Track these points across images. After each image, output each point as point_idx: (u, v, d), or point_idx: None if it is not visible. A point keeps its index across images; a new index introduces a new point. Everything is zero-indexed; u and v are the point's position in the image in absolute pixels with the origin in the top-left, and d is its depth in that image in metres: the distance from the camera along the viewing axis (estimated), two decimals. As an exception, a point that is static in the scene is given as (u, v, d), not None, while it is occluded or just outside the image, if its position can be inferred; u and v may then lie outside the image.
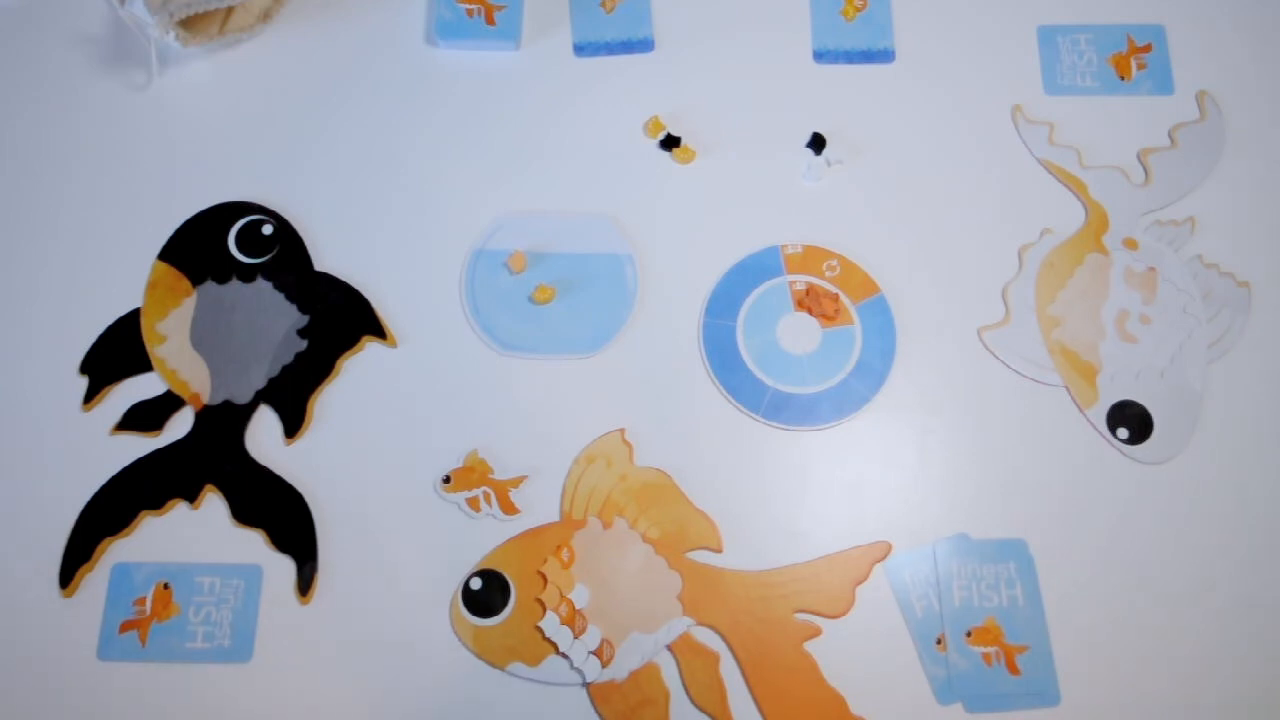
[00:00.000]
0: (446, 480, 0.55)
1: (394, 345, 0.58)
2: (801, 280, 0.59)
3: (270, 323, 0.58)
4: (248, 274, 0.59)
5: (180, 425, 0.57)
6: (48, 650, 0.52)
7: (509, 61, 0.65)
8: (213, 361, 0.58)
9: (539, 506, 0.55)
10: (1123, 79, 0.64)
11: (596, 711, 0.52)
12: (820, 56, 0.65)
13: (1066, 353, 0.58)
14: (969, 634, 0.53)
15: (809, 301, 0.59)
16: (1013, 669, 0.52)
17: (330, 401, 0.57)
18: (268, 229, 0.60)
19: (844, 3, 0.65)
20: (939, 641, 0.53)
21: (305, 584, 0.53)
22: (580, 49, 0.65)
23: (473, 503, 0.54)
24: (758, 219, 0.61)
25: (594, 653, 0.52)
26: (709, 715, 0.51)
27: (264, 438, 0.56)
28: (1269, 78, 0.64)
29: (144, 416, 0.56)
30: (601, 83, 0.64)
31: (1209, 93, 0.63)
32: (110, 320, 0.58)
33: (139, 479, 0.55)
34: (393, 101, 0.63)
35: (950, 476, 0.56)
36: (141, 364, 0.57)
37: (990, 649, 0.52)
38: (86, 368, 0.57)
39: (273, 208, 0.61)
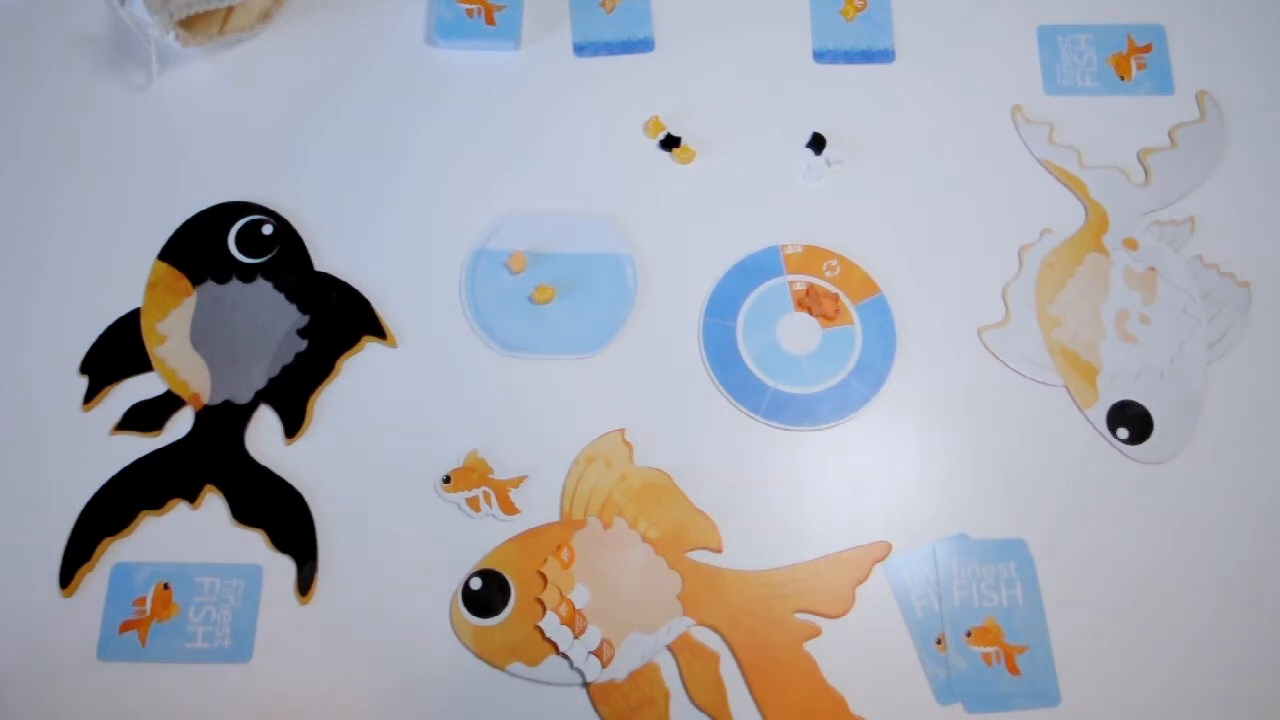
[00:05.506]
0: (446, 480, 0.55)
1: (394, 345, 0.58)
2: (801, 280, 0.59)
3: (270, 323, 0.58)
4: (248, 274, 0.59)
5: (180, 425, 0.57)
6: (48, 650, 0.52)
7: (509, 61, 0.65)
8: (213, 361, 0.57)
9: (539, 506, 0.55)
10: (1123, 79, 0.64)
11: (596, 711, 0.51)
12: (820, 56, 0.65)
13: (1066, 353, 0.58)
14: (969, 634, 0.53)
15: (809, 301, 0.59)
16: (1013, 669, 0.52)
17: (330, 401, 0.57)
18: (268, 229, 0.60)
19: (844, 3, 0.65)
20: (939, 641, 0.53)
21: (305, 584, 0.53)
22: (580, 49, 0.65)
23: (473, 503, 0.54)
24: (758, 219, 0.61)
25: (594, 653, 0.52)
26: (709, 715, 0.51)
27: (264, 438, 0.56)
28: (1269, 78, 0.64)
29: (144, 416, 0.56)
30: (601, 83, 0.64)
31: (1209, 93, 0.63)
32: (110, 320, 0.58)
33: (139, 479, 0.55)
34: (393, 101, 0.63)
35: (950, 476, 0.56)
36: (141, 364, 0.57)
37: (990, 649, 0.52)
38: (86, 368, 0.57)
39: (273, 208, 0.61)
